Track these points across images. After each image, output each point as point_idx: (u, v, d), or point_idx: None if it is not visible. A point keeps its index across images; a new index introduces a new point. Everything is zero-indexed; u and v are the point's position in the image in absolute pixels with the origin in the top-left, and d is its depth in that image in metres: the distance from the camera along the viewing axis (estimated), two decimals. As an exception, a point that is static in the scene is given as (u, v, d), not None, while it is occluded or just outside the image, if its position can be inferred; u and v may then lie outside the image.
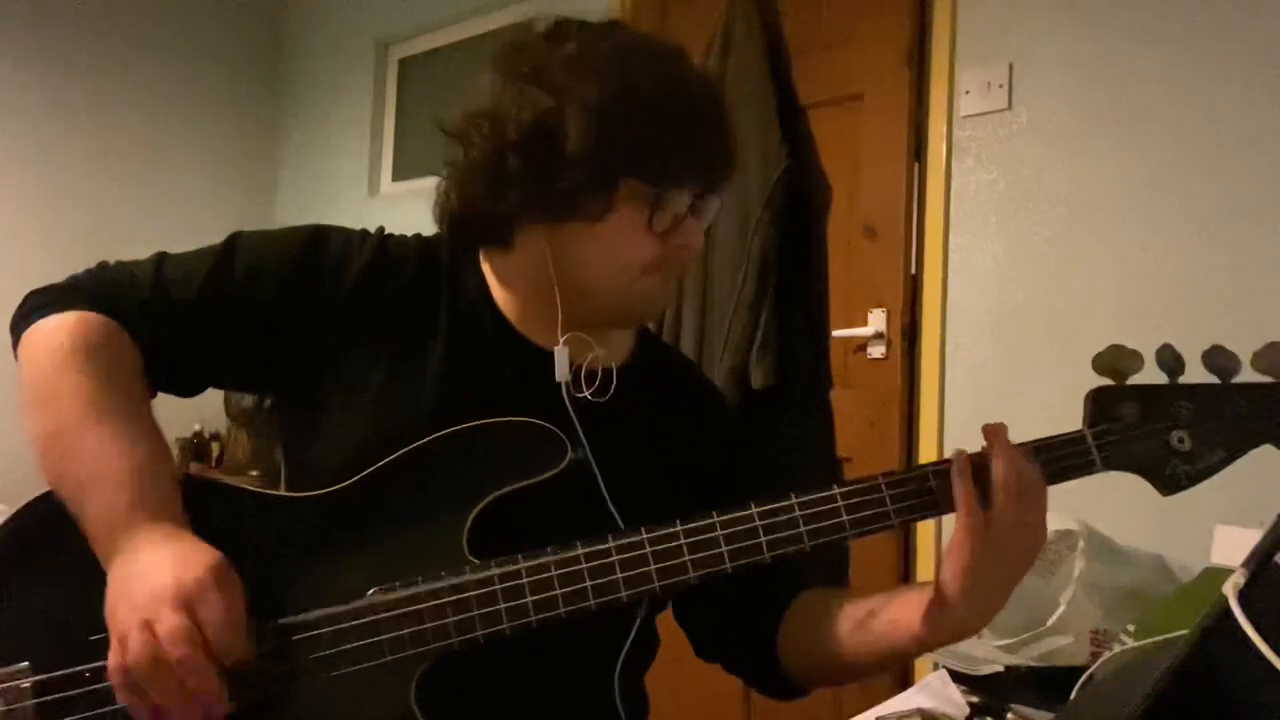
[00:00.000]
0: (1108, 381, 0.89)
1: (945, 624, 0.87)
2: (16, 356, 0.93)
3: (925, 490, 0.87)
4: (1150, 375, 0.89)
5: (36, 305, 0.93)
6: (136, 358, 0.92)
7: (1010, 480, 0.82)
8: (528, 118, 0.89)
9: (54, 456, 0.86)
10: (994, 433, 0.85)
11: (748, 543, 0.86)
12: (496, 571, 0.85)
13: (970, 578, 0.84)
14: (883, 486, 0.87)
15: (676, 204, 0.92)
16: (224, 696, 0.78)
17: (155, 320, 0.93)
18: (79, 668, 0.82)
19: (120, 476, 0.83)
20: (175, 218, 3.73)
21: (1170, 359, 0.87)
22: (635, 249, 0.93)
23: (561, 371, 0.95)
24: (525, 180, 0.90)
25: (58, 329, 0.89)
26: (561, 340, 0.96)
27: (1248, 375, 0.88)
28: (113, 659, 0.77)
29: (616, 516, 0.92)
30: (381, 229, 1.03)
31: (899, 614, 0.90)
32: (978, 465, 0.85)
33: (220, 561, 0.81)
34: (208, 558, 0.81)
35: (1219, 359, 0.87)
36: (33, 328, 0.91)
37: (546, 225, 0.93)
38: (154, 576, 0.78)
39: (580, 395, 0.96)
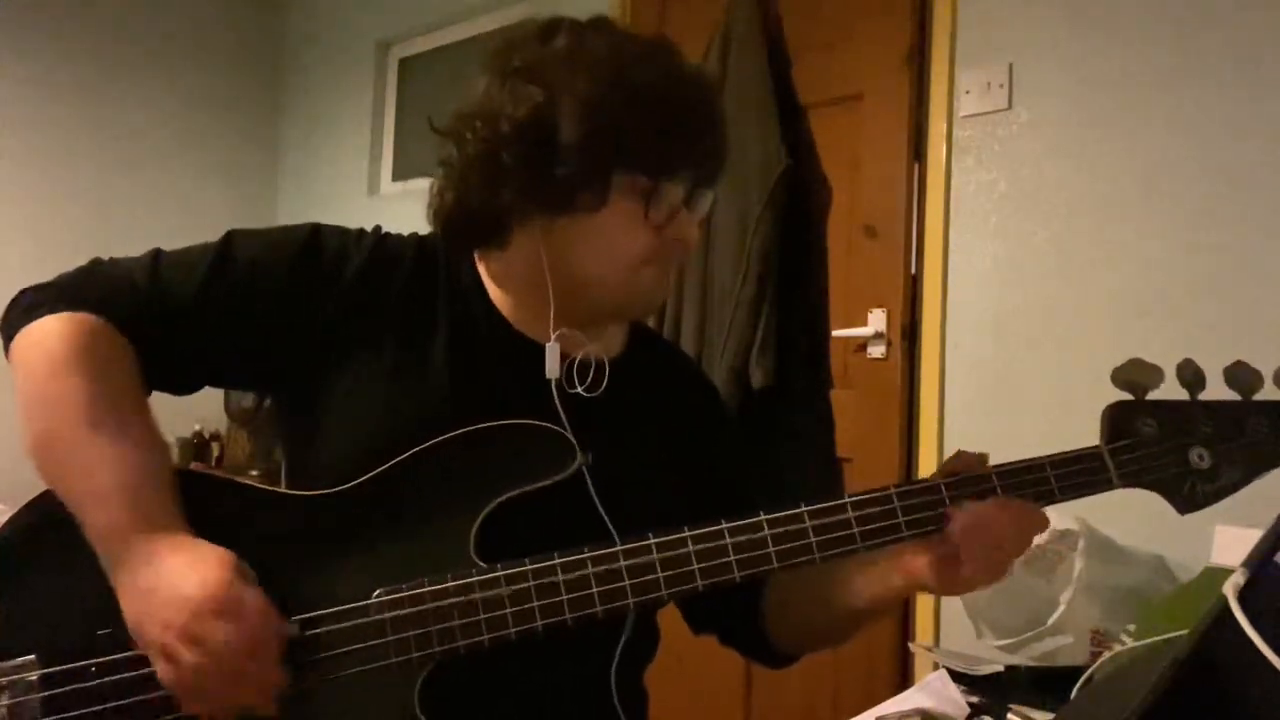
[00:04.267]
0: (1126, 396, 0.88)
1: (929, 588, 0.90)
2: (8, 358, 0.92)
3: (939, 503, 0.87)
4: (1169, 390, 0.88)
5: (28, 306, 0.92)
6: (131, 358, 0.91)
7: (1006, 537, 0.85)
8: (521, 113, 0.90)
9: (50, 465, 0.86)
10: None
11: (757, 553, 0.86)
12: (503, 574, 0.85)
13: (966, 586, 0.87)
14: (894, 499, 0.87)
15: (671, 195, 0.93)
16: (284, 675, 0.82)
17: (150, 319, 0.92)
18: (85, 661, 0.82)
19: (115, 490, 0.83)
20: (175, 217, 3.73)
21: (1191, 375, 0.86)
22: (631, 241, 0.93)
23: (552, 368, 0.95)
24: (520, 175, 0.90)
25: (50, 332, 0.89)
26: (553, 336, 0.96)
27: (1270, 392, 0.86)
28: (166, 674, 0.80)
29: (603, 515, 0.92)
30: (378, 228, 1.04)
31: (885, 570, 0.92)
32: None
33: (233, 558, 0.82)
34: (222, 557, 0.82)
35: (1240, 375, 0.86)
36: (24, 330, 0.90)
37: (542, 221, 0.94)
38: (178, 588, 0.79)
39: (573, 390, 0.96)
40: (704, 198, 0.97)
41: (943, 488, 0.87)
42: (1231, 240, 1.87)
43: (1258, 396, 0.87)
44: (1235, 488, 0.87)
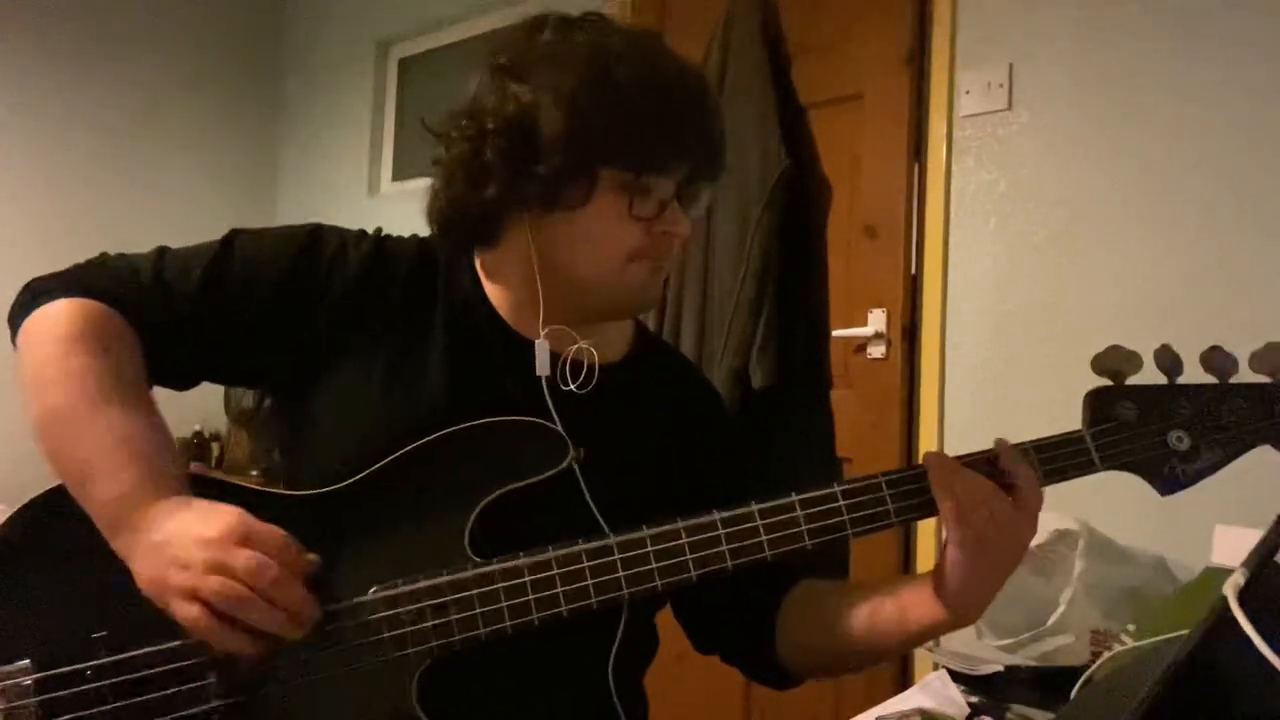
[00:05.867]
0: (1106, 382, 0.90)
1: (942, 620, 0.88)
2: (15, 345, 0.93)
3: (925, 490, 0.87)
4: (1149, 376, 0.89)
5: (36, 294, 0.93)
6: (136, 345, 0.92)
7: (987, 492, 0.84)
8: (505, 109, 0.90)
9: (55, 438, 0.86)
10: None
11: (749, 541, 0.87)
12: (498, 569, 0.85)
13: (963, 579, 0.85)
14: (883, 486, 0.88)
15: (659, 190, 0.93)
16: (314, 604, 0.81)
17: (154, 311, 0.93)
18: (80, 665, 0.82)
19: (125, 455, 0.83)
20: (176, 217, 3.73)
21: (1168, 360, 0.88)
22: (619, 236, 0.93)
23: (542, 365, 0.95)
24: (504, 172, 0.91)
25: (58, 316, 0.90)
26: (543, 333, 0.96)
27: (1246, 376, 0.88)
28: (191, 613, 0.77)
29: (595, 512, 0.92)
30: (379, 230, 1.04)
31: (897, 610, 0.91)
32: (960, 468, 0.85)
33: (244, 510, 0.81)
34: (231, 507, 0.81)
35: (1217, 360, 0.88)
36: (32, 316, 0.92)
37: (531, 217, 0.94)
38: (193, 532, 0.78)
39: (566, 389, 0.96)
40: (697, 192, 0.97)
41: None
42: (1231, 239, 1.87)
43: (1234, 380, 0.89)
44: (1214, 468, 0.89)
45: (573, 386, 0.96)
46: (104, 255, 0.98)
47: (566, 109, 0.88)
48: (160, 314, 0.94)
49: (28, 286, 0.95)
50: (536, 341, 0.96)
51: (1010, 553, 0.86)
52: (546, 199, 0.91)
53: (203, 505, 0.82)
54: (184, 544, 0.78)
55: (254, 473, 3.55)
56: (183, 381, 0.99)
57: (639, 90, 0.89)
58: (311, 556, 0.82)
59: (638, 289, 0.97)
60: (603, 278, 0.94)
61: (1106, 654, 1.23)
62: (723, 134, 0.96)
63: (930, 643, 2.11)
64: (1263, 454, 0.89)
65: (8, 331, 0.96)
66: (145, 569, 0.80)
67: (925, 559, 2.21)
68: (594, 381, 0.98)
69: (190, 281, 0.95)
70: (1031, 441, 0.89)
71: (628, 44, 0.93)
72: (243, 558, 0.77)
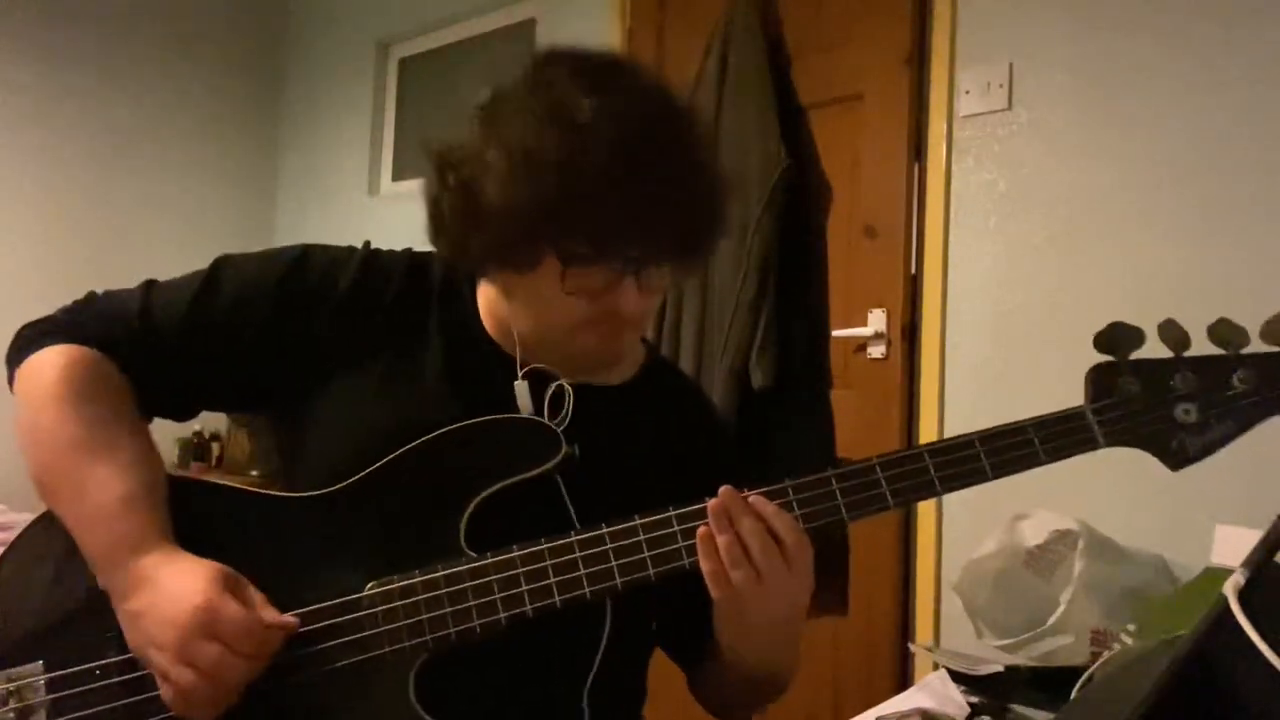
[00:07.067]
0: (1109, 358, 0.87)
1: (743, 666, 0.94)
2: (11, 389, 0.95)
3: (923, 470, 0.86)
4: (1153, 353, 0.86)
5: (28, 340, 0.95)
6: (126, 388, 0.94)
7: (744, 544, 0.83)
8: (464, 167, 0.88)
9: (47, 493, 0.89)
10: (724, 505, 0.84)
11: None
12: (491, 562, 0.86)
13: (734, 637, 0.90)
14: (878, 469, 0.87)
15: (601, 270, 0.87)
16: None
17: (144, 350, 0.95)
18: (90, 664, 0.84)
19: (101, 516, 0.85)
20: (176, 218, 3.72)
21: (1174, 335, 0.85)
22: (558, 308, 0.90)
23: (524, 406, 0.95)
24: (455, 229, 0.90)
25: (47, 366, 0.92)
26: (520, 375, 0.96)
27: (1256, 348, 0.84)
28: (165, 693, 0.82)
29: (576, 522, 0.91)
30: (368, 244, 1.04)
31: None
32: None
33: (219, 571, 0.83)
34: (207, 572, 0.83)
35: (1225, 332, 0.84)
36: (25, 364, 0.94)
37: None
38: (162, 610, 0.81)
39: (555, 420, 0.95)
40: (656, 271, 0.91)
41: (926, 456, 0.86)
42: (1231, 239, 1.87)
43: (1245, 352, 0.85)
44: (1225, 441, 0.85)
45: (552, 423, 0.95)
46: (92, 294, 1.00)
47: (510, 183, 0.84)
48: (151, 351, 0.95)
49: (20, 333, 0.97)
50: (515, 384, 0.96)
51: (780, 610, 0.86)
52: (494, 261, 0.91)
53: (172, 570, 0.83)
54: (155, 622, 0.81)
55: (254, 473, 3.55)
56: (180, 413, 1.00)
57: (591, 173, 0.82)
58: (288, 620, 0.84)
59: (589, 354, 0.94)
60: (550, 340, 0.94)
61: (1106, 654, 1.23)
62: (700, 213, 0.89)
63: (930, 643, 2.12)
64: (1263, 453, 0.88)
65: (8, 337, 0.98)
66: (128, 634, 0.84)
67: (925, 553, 2.21)
68: (570, 418, 0.96)
69: (176, 317, 0.96)
70: (1030, 419, 0.87)
71: (607, 110, 0.84)
72: (205, 657, 0.79)
